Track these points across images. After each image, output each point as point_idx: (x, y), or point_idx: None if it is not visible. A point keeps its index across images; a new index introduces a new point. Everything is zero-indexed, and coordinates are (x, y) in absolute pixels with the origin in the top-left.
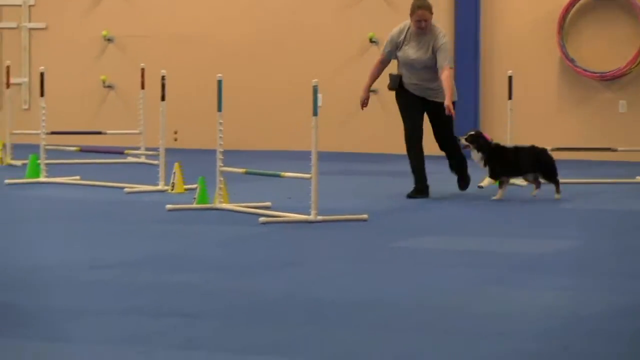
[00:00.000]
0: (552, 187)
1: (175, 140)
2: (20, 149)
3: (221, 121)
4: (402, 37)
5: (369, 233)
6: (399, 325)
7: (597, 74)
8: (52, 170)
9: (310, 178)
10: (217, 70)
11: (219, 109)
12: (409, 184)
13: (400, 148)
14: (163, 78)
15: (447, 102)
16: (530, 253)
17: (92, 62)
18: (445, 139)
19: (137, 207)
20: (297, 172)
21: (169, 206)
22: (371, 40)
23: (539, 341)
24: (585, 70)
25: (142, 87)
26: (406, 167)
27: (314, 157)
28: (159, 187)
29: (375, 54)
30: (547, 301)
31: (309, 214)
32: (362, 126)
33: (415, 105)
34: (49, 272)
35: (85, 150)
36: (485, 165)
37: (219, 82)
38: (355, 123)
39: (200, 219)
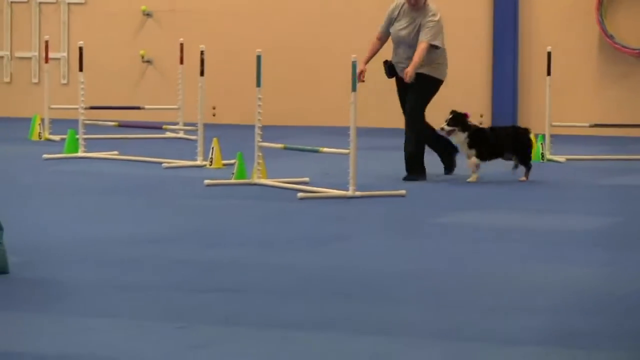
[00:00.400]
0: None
1: (214, 115)
2: (58, 124)
3: (260, 96)
4: (396, 12)
5: (408, 209)
6: (441, 301)
7: (636, 50)
8: (90, 145)
9: (349, 154)
10: (255, 46)
11: (258, 84)
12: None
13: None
14: (202, 53)
15: (409, 68)
16: (568, 229)
17: (130, 37)
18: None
19: (175, 182)
20: (336, 148)
21: (207, 181)
22: None
23: (578, 317)
24: (624, 47)
25: (181, 62)
26: None
27: (352, 133)
28: (197, 162)
29: None
30: (586, 277)
31: (347, 189)
32: None
33: (403, 94)
34: (89, 247)
35: (123, 125)
36: (469, 148)
37: (258, 58)
38: (396, 98)
39: (238, 194)
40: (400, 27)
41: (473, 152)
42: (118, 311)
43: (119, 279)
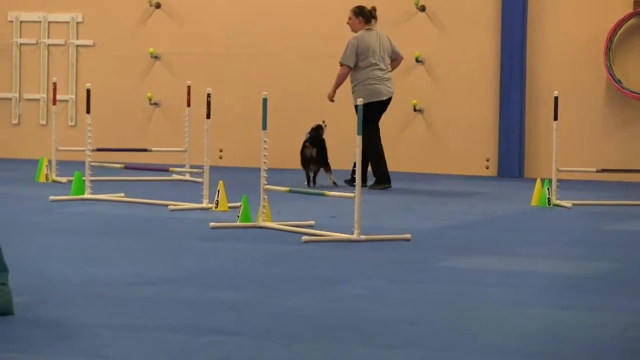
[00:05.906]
0: (600, 214)
1: (221, 158)
2: (65, 166)
3: (265, 139)
4: None
5: (413, 252)
6: (436, 344)
7: None
8: (97, 187)
9: (354, 197)
10: (261, 88)
11: (264, 127)
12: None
13: (444, 168)
14: (208, 96)
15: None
16: (570, 274)
17: (138, 80)
18: None
19: (180, 225)
20: (341, 192)
21: (212, 224)
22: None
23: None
24: (632, 92)
25: (188, 104)
26: (449, 187)
27: (357, 177)
28: (203, 205)
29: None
30: (586, 322)
31: (352, 233)
32: (405, 145)
33: None
34: (93, 288)
35: (129, 168)
36: None
37: (264, 100)
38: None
39: (243, 236)
40: None
41: None
42: (119, 353)
43: (121, 320)
